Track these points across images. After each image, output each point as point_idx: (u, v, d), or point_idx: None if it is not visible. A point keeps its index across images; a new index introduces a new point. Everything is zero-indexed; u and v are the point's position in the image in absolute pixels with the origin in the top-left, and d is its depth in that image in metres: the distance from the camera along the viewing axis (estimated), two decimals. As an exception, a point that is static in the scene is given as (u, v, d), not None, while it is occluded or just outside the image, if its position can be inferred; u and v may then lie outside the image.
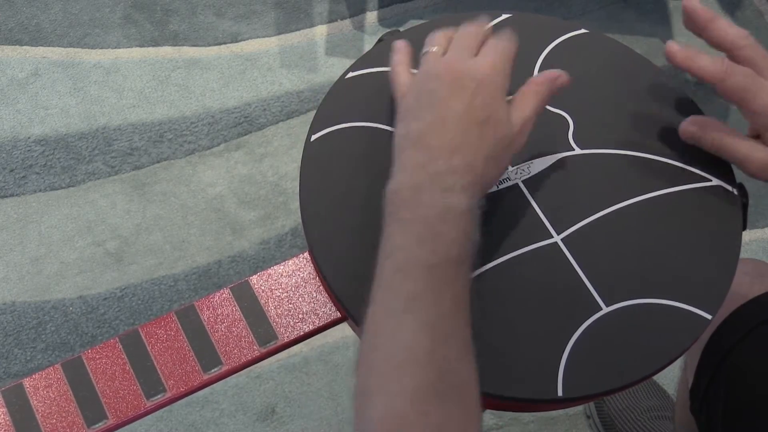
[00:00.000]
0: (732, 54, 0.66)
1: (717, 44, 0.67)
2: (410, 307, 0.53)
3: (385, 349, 0.53)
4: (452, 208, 0.56)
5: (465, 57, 0.62)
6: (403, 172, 0.58)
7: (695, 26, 0.68)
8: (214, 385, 0.63)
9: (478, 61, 0.61)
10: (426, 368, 0.51)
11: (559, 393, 0.60)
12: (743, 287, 0.81)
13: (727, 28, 0.67)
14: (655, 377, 1.29)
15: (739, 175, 0.70)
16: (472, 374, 0.54)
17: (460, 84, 0.60)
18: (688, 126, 0.69)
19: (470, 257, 0.57)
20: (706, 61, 0.66)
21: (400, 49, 0.69)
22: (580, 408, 1.32)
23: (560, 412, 1.31)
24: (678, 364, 0.71)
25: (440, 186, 0.56)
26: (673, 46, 0.67)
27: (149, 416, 0.61)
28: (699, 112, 0.72)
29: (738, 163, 0.67)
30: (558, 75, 0.66)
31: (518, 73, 0.75)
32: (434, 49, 0.64)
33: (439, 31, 0.66)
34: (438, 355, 0.52)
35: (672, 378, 1.30)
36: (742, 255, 0.66)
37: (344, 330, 1.36)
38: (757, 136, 0.66)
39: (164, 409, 0.62)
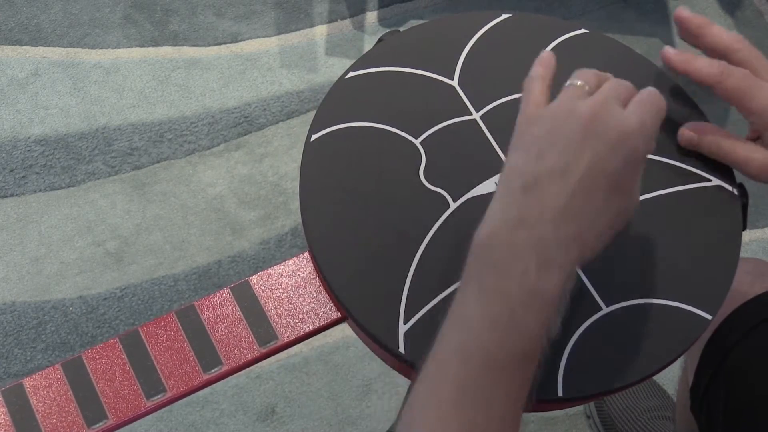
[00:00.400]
0: (728, 58, 0.67)
1: (712, 49, 0.68)
2: (458, 399, 0.49)
3: None
4: (541, 293, 0.49)
5: (613, 104, 0.53)
6: (502, 220, 0.51)
7: (689, 35, 0.69)
8: (214, 385, 0.63)
9: (627, 115, 0.53)
10: None
11: (559, 393, 0.60)
12: (744, 286, 0.81)
13: (721, 32, 0.67)
14: (655, 377, 1.29)
15: (739, 175, 0.70)
16: None
17: (600, 133, 0.52)
18: (686, 132, 0.69)
19: (541, 353, 0.51)
20: (703, 64, 0.66)
21: (544, 62, 0.60)
22: (580, 408, 1.32)
23: (560, 412, 1.31)
24: (678, 363, 0.71)
25: (539, 255, 0.49)
26: (669, 51, 0.67)
27: (149, 416, 0.61)
28: (699, 111, 0.72)
29: (738, 167, 0.67)
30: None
31: (518, 73, 0.75)
32: (579, 83, 0.56)
33: (590, 70, 0.58)
34: None
35: (672, 378, 1.30)
36: (742, 255, 0.66)
37: (344, 330, 1.36)
38: (757, 138, 0.66)
39: (164, 409, 0.62)
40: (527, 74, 0.59)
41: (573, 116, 0.53)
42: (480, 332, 0.49)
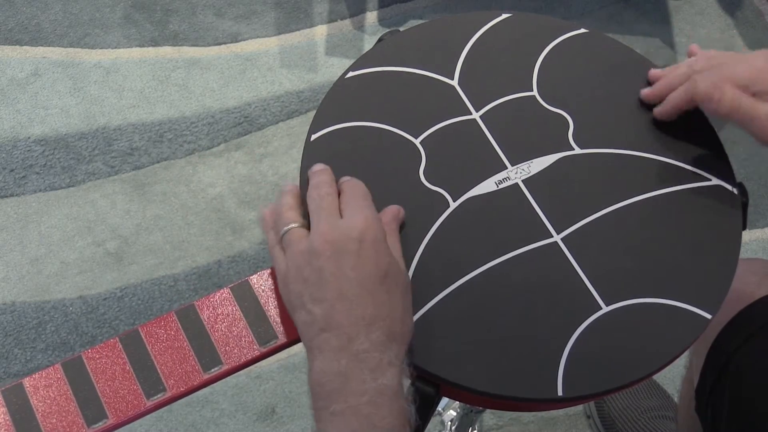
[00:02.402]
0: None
1: (678, 76, 0.71)
2: None
3: None
4: (384, 390, 0.53)
5: (333, 221, 0.59)
6: (322, 359, 0.54)
7: (658, 90, 0.73)
8: (214, 385, 0.62)
9: (349, 221, 0.58)
10: None
11: (559, 392, 0.60)
12: (750, 287, 0.81)
13: (674, 69, 0.72)
14: (655, 377, 1.29)
15: (740, 175, 0.70)
16: None
17: (344, 251, 0.56)
18: (709, 89, 0.68)
19: None
20: (678, 94, 0.70)
21: (265, 219, 0.65)
22: (580, 408, 1.32)
23: (560, 412, 1.31)
24: (680, 363, 0.71)
25: (368, 367, 0.53)
26: (656, 111, 0.72)
27: (149, 416, 0.61)
28: (699, 111, 0.72)
29: (757, 122, 0.66)
30: (398, 210, 0.65)
31: (518, 73, 0.75)
32: (294, 225, 0.61)
33: (283, 204, 0.63)
34: None
35: (672, 378, 1.30)
36: (742, 255, 0.66)
37: (344, 330, 1.35)
38: None
39: (164, 409, 0.61)
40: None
41: (312, 256, 0.57)
42: None
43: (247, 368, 0.62)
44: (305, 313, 0.57)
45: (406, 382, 0.55)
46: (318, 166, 0.65)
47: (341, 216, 0.60)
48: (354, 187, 0.62)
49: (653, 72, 0.74)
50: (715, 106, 0.67)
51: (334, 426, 0.53)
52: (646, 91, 0.73)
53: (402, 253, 0.62)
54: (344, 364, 0.53)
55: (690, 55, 0.74)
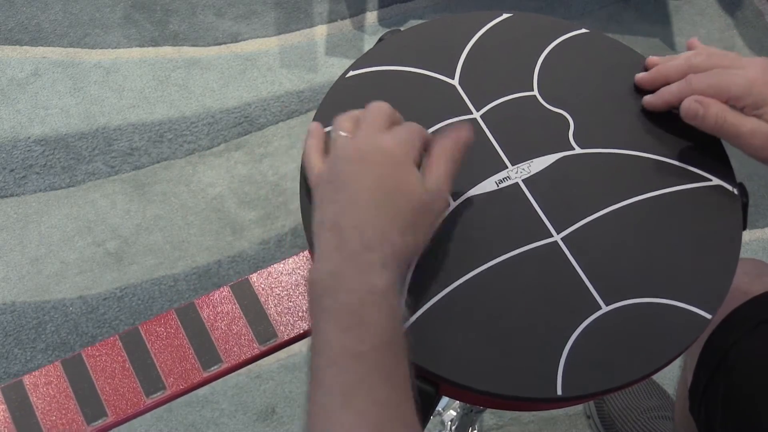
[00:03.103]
0: (694, 70, 0.70)
1: (676, 71, 0.71)
2: (346, 401, 0.52)
3: None
4: (374, 289, 0.54)
5: (372, 135, 0.61)
6: (320, 259, 0.56)
7: (651, 76, 0.73)
8: (214, 385, 0.63)
9: (384, 137, 0.61)
10: None
11: (559, 392, 0.60)
12: (743, 286, 0.81)
13: (673, 57, 0.72)
14: (655, 377, 1.29)
15: (740, 175, 0.70)
16: None
17: (367, 160, 0.59)
18: (692, 104, 0.68)
19: (400, 338, 0.55)
20: (673, 89, 0.70)
21: (313, 133, 0.68)
22: (580, 408, 1.32)
23: (560, 412, 1.31)
24: (678, 363, 0.71)
25: (357, 267, 0.55)
26: (647, 99, 0.72)
27: (149, 416, 0.61)
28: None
29: (743, 140, 0.67)
30: (460, 133, 0.64)
31: (519, 72, 0.75)
32: (342, 133, 0.63)
33: (345, 114, 0.65)
34: None
35: (672, 378, 1.30)
36: (742, 255, 0.66)
37: (344, 330, 1.35)
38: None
39: (164, 408, 0.62)
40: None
41: (342, 160, 0.60)
42: (338, 341, 0.53)
43: (247, 368, 0.62)
44: (319, 212, 0.59)
45: (402, 291, 0.57)
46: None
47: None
48: (411, 124, 0.63)
49: (651, 59, 0.74)
50: (699, 123, 0.68)
51: (325, 321, 0.54)
52: (640, 76, 0.73)
53: (443, 183, 0.61)
54: (337, 263, 0.55)
55: (689, 48, 0.74)
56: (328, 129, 0.71)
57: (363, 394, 0.52)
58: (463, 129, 0.64)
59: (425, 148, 0.63)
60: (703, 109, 0.67)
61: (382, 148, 0.59)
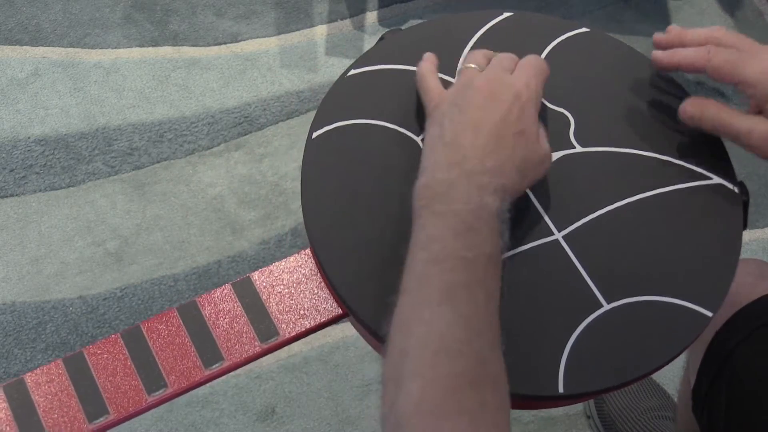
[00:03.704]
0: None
1: (696, 40, 0.70)
2: (446, 298, 0.54)
3: (420, 337, 0.53)
4: (485, 207, 0.57)
5: (500, 73, 0.64)
6: (435, 168, 0.59)
7: (670, 36, 0.71)
8: (215, 385, 0.63)
9: (514, 78, 0.64)
10: (461, 358, 0.52)
11: (560, 390, 0.60)
12: (747, 287, 0.81)
13: (696, 30, 0.70)
14: (655, 377, 1.29)
15: (740, 174, 0.70)
16: (502, 367, 0.54)
17: (497, 96, 0.62)
18: (688, 108, 0.69)
19: (501, 257, 0.57)
20: (689, 51, 0.69)
21: (428, 58, 0.71)
22: (580, 408, 1.32)
23: (560, 412, 1.31)
24: (679, 363, 0.71)
25: (475, 184, 0.57)
26: (657, 54, 0.71)
27: (149, 416, 0.61)
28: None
29: (741, 138, 0.66)
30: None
31: (519, 70, 0.75)
32: (472, 65, 0.66)
33: (478, 50, 0.68)
34: (473, 347, 0.52)
35: (672, 378, 1.30)
36: (742, 255, 0.66)
37: (344, 330, 1.36)
38: (758, 113, 0.66)
39: (164, 408, 0.62)
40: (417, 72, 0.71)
41: (471, 89, 0.63)
42: (446, 242, 0.56)
43: (247, 368, 0.62)
44: (438, 127, 0.62)
45: (505, 217, 0.59)
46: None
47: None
48: (533, 60, 0.67)
49: (672, 26, 0.74)
50: (696, 124, 0.68)
51: (433, 223, 0.57)
52: (658, 35, 0.73)
53: (549, 149, 0.65)
54: (455, 176, 0.58)
55: (657, 42, 0.73)
56: (329, 128, 0.71)
57: (463, 297, 0.54)
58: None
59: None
60: (700, 111, 0.67)
61: (512, 89, 0.62)
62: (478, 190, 0.57)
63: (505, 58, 0.67)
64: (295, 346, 1.34)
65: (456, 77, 0.67)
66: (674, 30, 0.72)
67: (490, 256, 0.56)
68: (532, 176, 0.63)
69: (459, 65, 0.68)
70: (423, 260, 0.56)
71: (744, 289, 0.81)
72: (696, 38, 0.70)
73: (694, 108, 0.68)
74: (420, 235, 0.57)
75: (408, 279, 0.56)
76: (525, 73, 0.65)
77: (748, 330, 0.78)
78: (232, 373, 0.61)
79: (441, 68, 0.75)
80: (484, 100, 0.62)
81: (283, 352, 1.33)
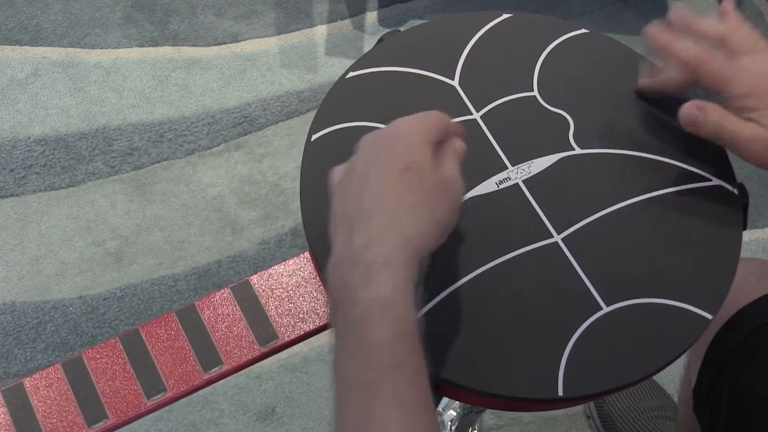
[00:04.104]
0: (725, 44, 0.67)
1: (707, 38, 0.68)
2: (364, 422, 0.48)
3: None
4: (377, 300, 0.49)
5: (386, 128, 0.58)
6: (333, 261, 0.53)
7: (682, 16, 0.69)
8: (214, 385, 0.63)
9: (399, 120, 0.57)
10: None
11: (560, 392, 0.60)
12: (748, 287, 0.81)
13: (712, 22, 0.68)
14: (655, 377, 1.29)
15: (740, 175, 0.70)
16: None
17: (380, 144, 0.56)
18: (692, 109, 0.67)
19: (414, 354, 0.50)
20: (689, 43, 0.66)
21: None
22: (580, 408, 1.32)
23: (560, 412, 1.31)
24: (679, 363, 0.71)
25: (362, 270, 0.50)
26: (653, 30, 0.68)
27: (149, 416, 0.61)
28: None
29: (740, 145, 0.65)
30: (460, 140, 0.60)
31: (519, 73, 0.75)
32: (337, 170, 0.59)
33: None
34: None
35: (672, 378, 1.30)
36: (743, 255, 0.66)
37: (344, 330, 1.35)
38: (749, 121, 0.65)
39: (164, 409, 0.62)
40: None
41: (357, 153, 0.56)
42: (347, 367, 0.49)
43: (247, 368, 0.62)
44: (332, 209, 0.56)
45: (413, 286, 0.51)
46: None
47: None
48: (429, 112, 0.59)
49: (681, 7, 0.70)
50: (697, 129, 0.67)
51: (337, 342, 0.51)
52: (652, 30, 0.69)
53: (457, 172, 0.57)
54: (345, 267, 0.51)
55: (723, 13, 0.70)
56: (328, 130, 0.71)
57: (375, 428, 0.47)
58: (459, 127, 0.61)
59: (443, 137, 0.58)
60: (703, 116, 0.66)
61: (396, 130, 0.56)
62: (364, 279, 0.49)
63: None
64: (295, 346, 1.34)
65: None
66: (682, 13, 0.68)
67: (397, 364, 0.49)
68: (441, 214, 0.55)
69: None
70: (336, 394, 0.50)
71: (746, 289, 0.81)
72: (712, 32, 0.67)
73: (698, 111, 0.67)
74: (333, 359, 0.51)
75: (334, 414, 0.50)
76: (415, 115, 0.58)
77: (749, 329, 0.78)
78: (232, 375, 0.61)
79: (439, 70, 0.75)
80: (369, 155, 0.55)
81: (283, 353, 1.32)
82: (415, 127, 0.56)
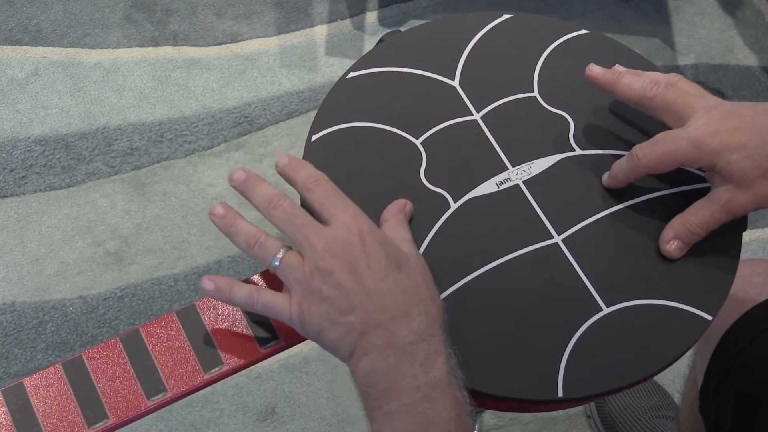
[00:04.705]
0: (645, 106, 0.67)
1: (628, 101, 0.68)
2: None
3: None
4: (436, 383, 0.53)
5: (322, 231, 0.58)
6: (368, 360, 0.54)
7: (604, 90, 0.69)
8: (215, 385, 0.63)
9: (338, 225, 0.58)
10: None
11: (560, 393, 0.60)
12: (755, 288, 0.80)
13: (631, 82, 0.67)
14: (655, 377, 1.29)
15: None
16: None
17: (351, 256, 0.56)
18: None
19: (470, 425, 0.54)
20: (630, 78, 0.67)
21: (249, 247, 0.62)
22: (580, 408, 1.32)
23: (560, 412, 1.31)
24: (681, 363, 0.71)
25: (416, 360, 0.53)
26: (594, 70, 0.69)
27: (149, 416, 0.61)
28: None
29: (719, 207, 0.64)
30: (403, 202, 0.65)
31: (519, 74, 0.75)
32: (280, 254, 0.59)
33: (256, 242, 0.61)
34: None
35: (672, 378, 1.30)
36: (743, 255, 0.66)
37: (344, 330, 1.35)
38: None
39: (164, 409, 0.62)
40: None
41: (317, 272, 0.56)
42: None
43: (248, 368, 0.62)
44: (339, 326, 0.55)
45: (454, 366, 0.55)
46: (241, 174, 0.64)
47: (324, 222, 0.58)
48: (318, 185, 0.60)
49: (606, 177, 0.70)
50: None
51: (390, 426, 0.53)
52: (598, 71, 0.69)
53: (412, 236, 0.62)
54: (393, 361, 0.53)
55: (588, 78, 0.71)
56: (328, 131, 0.71)
57: None
58: (406, 201, 0.65)
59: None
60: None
61: (350, 237, 0.56)
62: (422, 366, 0.53)
63: (288, 212, 0.59)
64: (295, 347, 1.34)
65: (282, 276, 0.59)
66: (609, 76, 0.68)
67: (457, 414, 0.53)
68: (431, 282, 0.59)
69: (270, 262, 0.59)
70: None
71: (753, 289, 0.81)
72: (630, 96, 0.67)
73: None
74: None
75: None
76: (334, 207, 0.58)
77: (757, 329, 0.78)
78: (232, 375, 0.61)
79: (439, 71, 0.75)
80: (348, 271, 0.55)
81: (283, 353, 1.32)
82: (361, 219, 0.58)
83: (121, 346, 0.61)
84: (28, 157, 1.50)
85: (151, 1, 1.68)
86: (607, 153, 0.70)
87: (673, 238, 0.65)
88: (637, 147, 0.65)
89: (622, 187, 0.68)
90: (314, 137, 0.71)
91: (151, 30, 1.65)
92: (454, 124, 0.72)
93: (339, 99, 0.73)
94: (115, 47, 1.63)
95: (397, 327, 0.54)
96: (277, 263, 0.58)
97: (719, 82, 1.62)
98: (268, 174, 1.49)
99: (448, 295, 0.63)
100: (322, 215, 0.59)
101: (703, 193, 0.68)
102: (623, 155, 0.70)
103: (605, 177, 0.68)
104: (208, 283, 0.59)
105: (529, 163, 0.69)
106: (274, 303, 0.59)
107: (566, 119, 0.72)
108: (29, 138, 1.52)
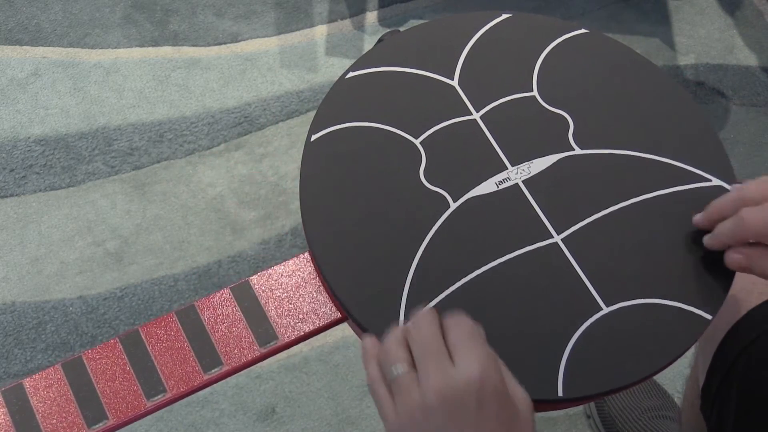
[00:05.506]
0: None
1: (731, 205, 0.65)
2: None
3: None
4: None
5: (445, 370, 0.53)
6: None
7: (707, 216, 0.66)
8: (214, 385, 0.63)
9: (463, 372, 0.53)
10: None
11: (560, 393, 0.60)
12: (758, 286, 0.80)
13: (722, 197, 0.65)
14: (655, 377, 1.29)
15: (740, 175, 0.70)
16: None
17: (462, 409, 0.52)
18: (733, 256, 0.64)
19: None
20: (725, 227, 0.64)
21: (369, 352, 0.58)
22: (580, 408, 1.32)
23: (560, 412, 1.31)
24: (681, 363, 0.71)
25: None
26: (705, 240, 0.66)
27: (149, 416, 0.61)
28: (699, 111, 0.72)
29: None
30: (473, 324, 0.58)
31: (518, 73, 0.75)
32: (400, 370, 0.54)
33: (390, 339, 0.56)
34: None
35: (672, 378, 1.30)
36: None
37: (344, 330, 1.36)
38: None
39: (164, 409, 0.62)
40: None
41: (428, 413, 0.52)
42: None
43: (247, 368, 0.62)
44: None
45: None
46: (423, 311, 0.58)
47: (452, 360, 0.54)
48: (460, 324, 0.56)
49: (700, 217, 0.67)
50: (747, 272, 0.64)
51: None
52: (697, 217, 0.67)
53: (517, 380, 0.56)
54: None
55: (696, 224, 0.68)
56: (328, 130, 0.71)
57: None
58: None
59: None
60: (746, 261, 0.63)
61: (471, 388, 0.52)
62: None
63: (427, 339, 0.54)
64: (295, 347, 1.34)
65: (395, 394, 0.55)
66: (705, 215, 0.66)
67: None
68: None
69: (388, 370, 0.54)
70: None
71: (756, 289, 0.81)
72: (731, 205, 0.64)
73: (740, 257, 0.64)
74: None
75: None
76: (466, 351, 0.54)
77: (760, 329, 0.78)
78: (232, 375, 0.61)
79: (440, 71, 0.75)
80: (453, 423, 0.52)
81: (283, 353, 1.33)
82: (493, 373, 0.53)
83: (121, 347, 0.61)
84: (28, 157, 1.50)
85: (151, 1, 1.68)
86: (606, 152, 0.70)
87: (746, 257, 0.63)
88: (744, 210, 0.62)
89: (624, 188, 0.68)
90: (314, 137, 0.71)
91: (151, 30, 1.65)
92: (453, 123, 0.72)
93: (338, 99, 0.73)
94: (115, 47, 1.63)
95: None
96: (394, 374, 0.55)
97: (719, 82, 1.62)
98: (268, 174, 1.49)
99: (447, 295, 0.63)
100: (453, 354, 0.55)
101: (703, 192, 0.68)
102: (623, 154, 0.70)
103: (707, 238, 0.65)
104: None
105: (528, 162, 0.69)
106: (386, 402, 0.55)
107: (566, 119, 0.72)
108: (29, 138, 1.52)
